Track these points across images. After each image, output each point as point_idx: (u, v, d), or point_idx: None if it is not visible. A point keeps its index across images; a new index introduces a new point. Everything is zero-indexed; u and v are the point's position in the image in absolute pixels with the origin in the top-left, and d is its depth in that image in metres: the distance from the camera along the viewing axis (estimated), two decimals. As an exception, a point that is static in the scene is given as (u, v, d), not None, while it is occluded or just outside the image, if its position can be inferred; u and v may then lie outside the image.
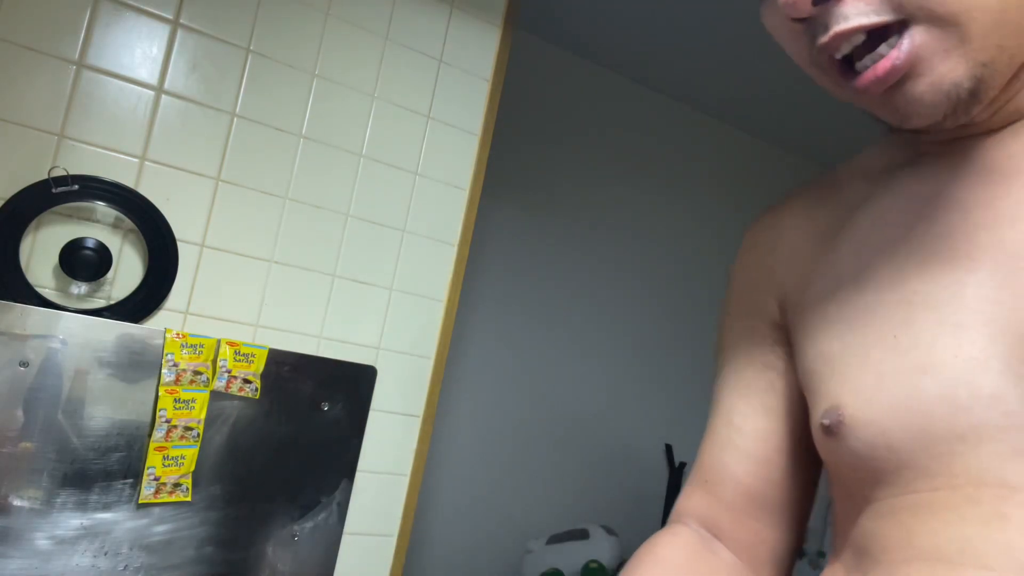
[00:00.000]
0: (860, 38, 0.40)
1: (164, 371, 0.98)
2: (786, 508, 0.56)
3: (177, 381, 0.99)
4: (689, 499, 0.60)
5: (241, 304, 1.09)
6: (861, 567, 0.44)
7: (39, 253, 0.96)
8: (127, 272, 1.02)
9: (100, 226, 1.00)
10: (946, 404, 0.39)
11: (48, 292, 0.96)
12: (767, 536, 0.56)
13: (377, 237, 1.20)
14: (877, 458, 0.42)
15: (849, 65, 0.42)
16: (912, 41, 0.39)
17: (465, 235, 1.29)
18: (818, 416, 0.47)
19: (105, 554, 0.96)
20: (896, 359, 0.42)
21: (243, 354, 1.05)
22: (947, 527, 0.38)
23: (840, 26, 0.40)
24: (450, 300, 1.28)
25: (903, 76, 0.40)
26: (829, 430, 0.45)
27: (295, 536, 1.10)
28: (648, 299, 2.59)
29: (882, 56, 0.40)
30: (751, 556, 0.56)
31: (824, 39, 0.41)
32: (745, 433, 0.56)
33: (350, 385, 1.15)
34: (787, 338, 0.56)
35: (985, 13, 0.38)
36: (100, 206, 0.99)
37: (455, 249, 1.28)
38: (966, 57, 0.39)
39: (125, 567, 0.98)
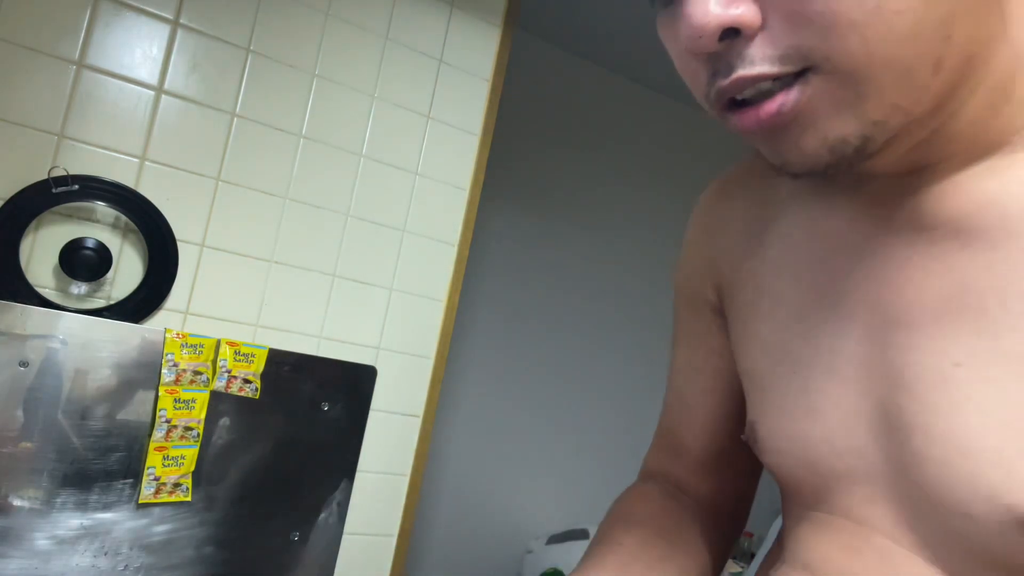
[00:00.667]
0: (766, 85, 0.36)
1: (164, 371, 0.98)
2: (740, 467, 0.62)
3: (177, 381, 0.99)
4: (654, 460, 0.66)
5: (241, 304, 1.09)
6: (782, 558, 0.50)
7: (39, 253, 0.96)
8: (127, 272, 1.02)
9: (100, 226, 1.00)
10: (826, 448, 0.44)
11: (48, 292, 0.96)
12: (725, 488, 0.62)
13: (377, 237, 1.20)
14: (780, 476, 0.49)
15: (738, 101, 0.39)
16: (804, 91, 0.35)
17: (465, 235, 1.29)
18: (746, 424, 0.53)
19: (105, 554, 0.96)
20: (793, 397, 0.46)
21: (243, 354, 1.05)
22: (820, 546, 0.45)
23: (744, 70, 0.36)
24: (450, 300, 1.28)
25: (789, 122, 0.36)
26: (750, 442, 0.51)
27: (295, 536, 1.10)
28: (648, 296, 2.59)
29: (771, 94, 0.36)
30: (712, 504, 0.62)
31: (725, 82, 0.37)
32: (697, 412, 0.61)
33: (350, 385, 1.15)
34: (727, 325, 0.58)
35: (889, 72, 0.34)
36: (100, 206, 0.99)
37: (455, 249, 1.28)
38: (858, 115, 0.36)
39: (125, 567, 0.98)
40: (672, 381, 0.65)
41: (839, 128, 0.36)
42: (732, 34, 0.35)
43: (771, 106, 0.36)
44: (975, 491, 0.36)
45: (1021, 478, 0.34)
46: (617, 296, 2.55)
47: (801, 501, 0.48)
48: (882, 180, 0.44)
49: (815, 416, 0.45)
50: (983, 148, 0.39)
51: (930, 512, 0.39)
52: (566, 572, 2.05)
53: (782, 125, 0.36)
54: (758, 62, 0.35)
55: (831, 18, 0.33)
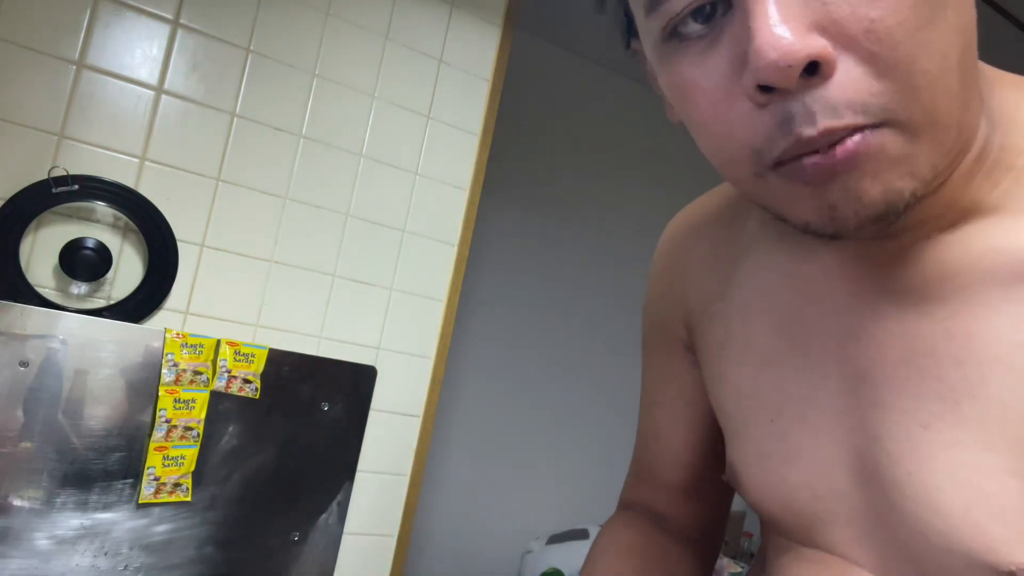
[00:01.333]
0: (853, 137, 0.32)
1: (164, 371, 0.98)
2: (716, 493, 0.63)
3: (177, 381, 0.99)
4: (633, 491, 0.68)
5: (241, 304, 1.09)
6: None
7: (39, 253, 0.96)
8: (127, 272, 1.02)
9: (100, 226, 1.00)
10: (806, 493, 0.45)
11: (48, 292, 0.96)
12: (702, 514, 0.64)
13: (377, 237, 1.20)
14: (762, 514, 0.50)
15: None
16: (881, 136, 0.32)
17: (465, 235, 1.29)
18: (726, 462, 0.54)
19: (105, 554, 0.96)
20: (771, 444, 0.47)
21: (243, 354, 1.05)
22: (802, 574, 0.46)
23: (830, 121, 0.32)
24: (450, 300, 1.28)
25: (859, 164, 0.33)
26: (731, 482, 0.52)
27: (295, 536, 1.10)
28: (648, 299, 2.59)
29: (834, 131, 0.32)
30: (692, 530, 0.64)
31: (812, 132, 0.32)
32: (673, 446, 0.62)
33: (350, 385, 1.15)
34: (698, 361, 0.58)
35: (938, 130, 0.34)
36: (100, 206, 0.99)
37: (455, 249, 1.28)
38: (912, 170, 0.34)
39: (125, 567, 0.98)
40: (646, 415, 0.66)
41: (899, 180, 0.34)
42: (811, 70, 0.31)
43: (849, 144, 0.32)
44: (950, 549, 0.37)
45: (991, 538, 0.36)
46: (617, 296, 2.55)
47: (784, 535, 0.49)
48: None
49: (792, 462, 0.46)
50: (953, 217, 0.40)
51: (911, 559, 0.40)
52: (566, 572, 2.05)
53: (854, 167, 0.33)
54: (843, 111, 0.32)
55: (913, 66, 0.31)
